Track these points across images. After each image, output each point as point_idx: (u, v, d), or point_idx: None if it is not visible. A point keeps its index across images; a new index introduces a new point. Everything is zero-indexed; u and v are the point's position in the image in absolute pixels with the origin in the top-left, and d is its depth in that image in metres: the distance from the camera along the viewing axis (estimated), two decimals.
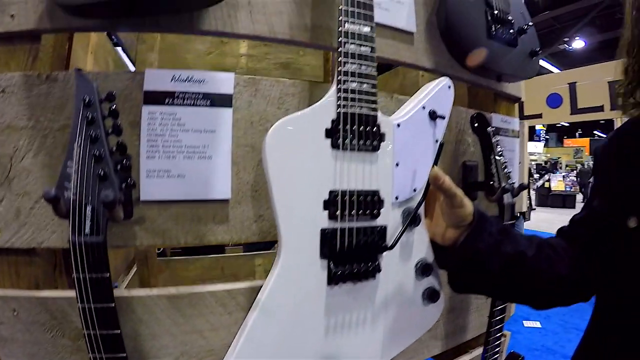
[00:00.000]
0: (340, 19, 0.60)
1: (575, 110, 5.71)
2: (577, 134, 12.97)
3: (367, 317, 0.65)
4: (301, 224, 0.58)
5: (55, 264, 0.66)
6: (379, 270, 0.63)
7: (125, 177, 0.54)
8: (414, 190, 0.66)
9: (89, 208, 0.50)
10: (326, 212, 0.59)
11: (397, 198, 0.64)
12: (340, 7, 0.60)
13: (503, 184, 0.86)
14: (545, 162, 7.95)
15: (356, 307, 0.64)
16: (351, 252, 0.61)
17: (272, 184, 0.55)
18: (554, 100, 6.04)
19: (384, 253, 0.64)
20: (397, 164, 0.64)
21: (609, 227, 0.59)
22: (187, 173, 0.64)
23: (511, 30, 0.96)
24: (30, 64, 0.67)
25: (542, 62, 9.67)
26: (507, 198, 0.87)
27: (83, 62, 1.22)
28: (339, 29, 0.60)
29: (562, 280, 0.62)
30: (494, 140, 0.89)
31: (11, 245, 0.61)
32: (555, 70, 9.53)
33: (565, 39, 8.93)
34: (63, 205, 0.50)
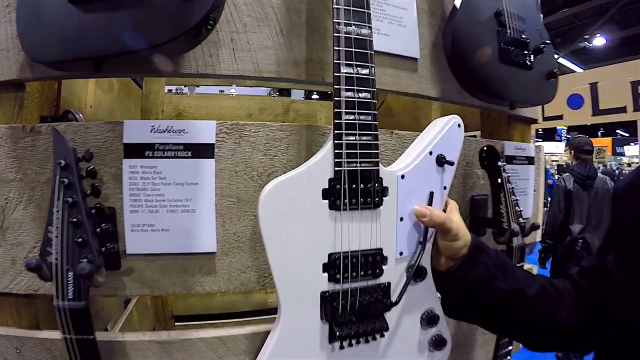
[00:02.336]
0: (335, 61, 0.55)
1: (596, 111, 5.50)
2: (599, 133, 12.58)
3: None
4: (300, 286, 0.55)
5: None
6: (387, 329, 0.59)
7: (104, 242, 0.53)
8: (420, 242, 0.61)
9: (70, 274, 0.50)
10: (325, 274, 0.55)
11: (401, 254, 0.60)
12: (334, 47, 0.55)
13: (512, 226, 0.79)
14: (567, 164, 7.72)
15: None
16: (354, 313, 0.57)
17: (267, 247, 0.53)
18: (575, 101, 5.84)
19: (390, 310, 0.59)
20: (401, 219, 0.59)
21: (624, 292, 0.53)
22: (171, 227, 0.62)
23: (526, 52, 0.88)
24: (17, 113, 0.66)
25: (562, 60, 9.43)
26: (516, 240, 0.81)
27: (83, 89, 1.20)
28: (333, 73, 0.54)
29: (560, 328, 0.58)
30: (504, 175, 0.82)
31: (9, 290, 0.63)
32: (576, 68, 9.26)
33: (586, 37, 8.63)
34: (46, 269, 0.50)
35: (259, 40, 0.67)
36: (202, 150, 0.63)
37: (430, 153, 0.60)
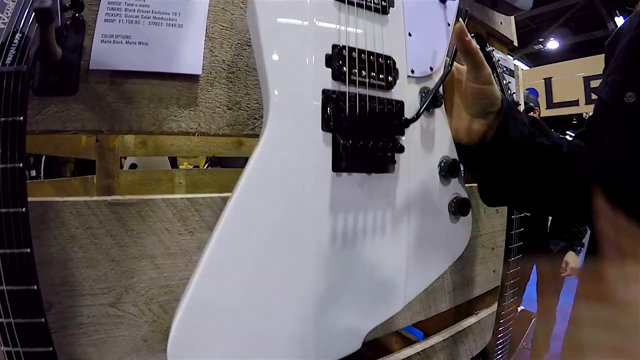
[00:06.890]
0: None
1: (550, 104, 5.83)
2: None
3: (386, 223, 0.48)
4: (297, 82, 0.43)
5: None
6: (401, 151, 0.48)
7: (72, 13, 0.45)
8: (431, 68, 0.56)
9: (17, 36, 0.39)
10: (329, 70, 0.45)
11: (412, 72, 0.54)
12: None
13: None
14: None
15: (372, 207, 0.47)
16: (363, 125, 0.45)
17: (260, 30, 0.43)
18: None
19: (404, 135, 0.50)
20: (409, 34, 0.54)
21: (607, 108, 0.54)
22: (151, 41, 0.53)
23: None
24: None
25: (517, 62, 9.92)
26: None
27: None
28: None
29: None
30: (495, 59, 0.82)
31: None
32: None
33: (540, 40, 9.14)
34: None
35: None
36: None
37: None
